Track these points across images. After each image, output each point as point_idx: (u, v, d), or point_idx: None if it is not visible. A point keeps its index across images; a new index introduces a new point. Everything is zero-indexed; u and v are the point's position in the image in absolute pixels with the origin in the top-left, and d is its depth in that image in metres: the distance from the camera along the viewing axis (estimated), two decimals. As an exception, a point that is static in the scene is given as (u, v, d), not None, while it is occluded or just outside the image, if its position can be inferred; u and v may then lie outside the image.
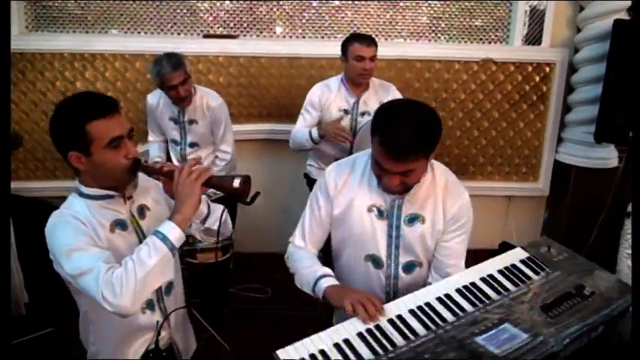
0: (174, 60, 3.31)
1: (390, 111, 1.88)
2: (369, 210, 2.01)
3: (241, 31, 4.52)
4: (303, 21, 4.49)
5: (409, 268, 2.05)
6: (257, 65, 4.37)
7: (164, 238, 1.70)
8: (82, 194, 1.85)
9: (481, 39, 4.62)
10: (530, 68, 4.44)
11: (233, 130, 3.82)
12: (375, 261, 2.05)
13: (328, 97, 3.51)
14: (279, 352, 1.70)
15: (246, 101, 4.45)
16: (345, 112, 3.50)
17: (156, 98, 3.58)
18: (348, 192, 2.04)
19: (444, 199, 2.02)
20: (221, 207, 2.04)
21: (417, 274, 2.06)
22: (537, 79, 4.46)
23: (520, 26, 4.48)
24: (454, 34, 4.59)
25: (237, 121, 4.42)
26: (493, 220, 4.81)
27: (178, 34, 4.49)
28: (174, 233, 1.72)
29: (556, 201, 4.74)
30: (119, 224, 1.87)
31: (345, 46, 3.43)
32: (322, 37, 4.52)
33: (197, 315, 3.49)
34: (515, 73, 4.45)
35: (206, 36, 4.42)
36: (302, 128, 3.54)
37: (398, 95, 3.57)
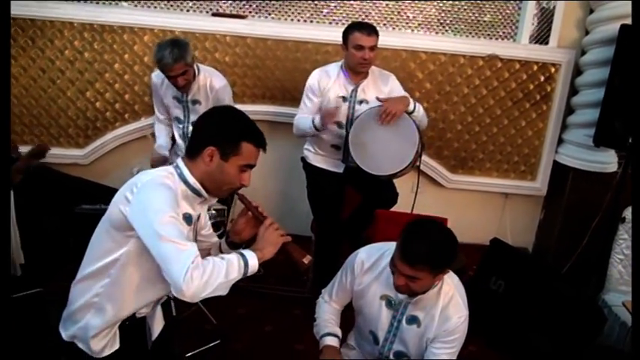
0: (177, 52, 3.32)
1: (422, 226, 2.16)
2: (382, 298, 2.30)
3: (250, 12, 4.54)
4: (312, 5, 4.51)
5: (399, 355, 2.33)
6: (263, 47, 4.39)
7: (246, 266, 1.90)
8: (183, 179, 1.99)
9: (488, 34, 4.62)
10: (535, 67, 4.45)
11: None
12: (375, 338, 2.35)
13: (327, 83, 3.52)
14: None
15: (251, 82, 4.48)
16: (343, 99, 3.51)
17: (160, 77, 3.60)
18: (370, 275, 2.34)
19: (443, 310, 2.23)
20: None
21: None
22: (542, 78, 4.47)
23: (529, 24, 4.48)
24: (462, 28, 4.59)
25: (241, 100, 4.46)
26: (489, 217, 4.86)
27: (187, 10, 4.51)
28: (253, 267, 1.92)
29: (553, 202, 4.77)
30: (187, 218, 1.97)
31: (345, 34, 3.44)
32: (330, 23, 4.53)
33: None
34: (520, 71, 4.45)
35: (215, 14, 4.44)
36: (304, 115, 3.57)
37: (397, 85, 3.59)
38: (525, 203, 4.87)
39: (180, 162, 2.02)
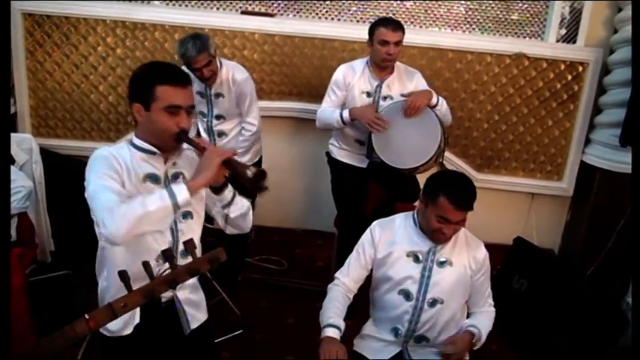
0: (199, 43, 3.40)
1: (445, 176, 2.54)
2: (408, 255, 2.48)
3: (278, 10, 4.60)
4: (340, 3, 4.55)
5: (432, 303, 2.46)
6: (291, 44, 4.45)
7: (172, 194, 1.88)
8: (131, 143, 2.09)
9: (516, 33, 4.60)
10: (563, 66, 4.41)
11: (261, 106, 3.92)
12: (407, 295, 2.47)
13: (352, 78, 3.57)
14: None
15: (278, 79, 4.53)
16: (368, 94, 3.55)
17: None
18: (389, 241, 2.52)
19: (468, 249, 2.52)
20: (247, 203, 2.25)
21: (438, 309, 2.47)
22: (569, 77, 4.44)
23: (556, 23, 4.45)
24: (489, 27, 4.59)
25: (268, 97, 4.53)
26: (514, 217, 4.81)
27: (217, 8, 4.59)
28: (183, 194, 1.89)
29: (579, 202, 4.71)
30: (152, 177, 2.07)
31: (371, 29, 3.48)
32: (357, 21, 4.57)
33: (210, 278, 3.61)
34: (547, 69, 4.42)
35: (244, 12, 4.51)
36: (329, 108, 3.61)
37: (422, 82, 3.61)
38: (552, 204, 4.83)
39: (133, 133, 2.11)
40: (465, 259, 2.50)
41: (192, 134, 3.88)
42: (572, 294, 3.53)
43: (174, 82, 2.00)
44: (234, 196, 2.19)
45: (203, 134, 3.84)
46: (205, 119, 3.78)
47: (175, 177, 2.13)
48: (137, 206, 1.84)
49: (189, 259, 1.64)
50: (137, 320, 2.14)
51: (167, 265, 1.63)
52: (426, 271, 2.46)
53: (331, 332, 2.35)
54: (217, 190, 2.13)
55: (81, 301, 2.15)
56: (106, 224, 1.81)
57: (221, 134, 3.78)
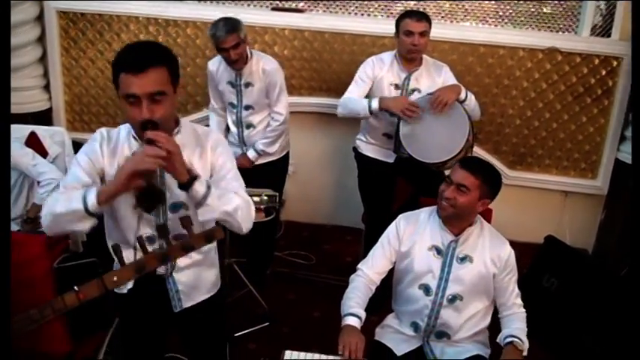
0: (229, 24, 3.44)
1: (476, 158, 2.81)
2: (429, 249, 2.51)
3: (309, 6, 4.61)
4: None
5: (452, 299, 2.48)
6: (321, 40, 4.46)
7: (84, 199, 1.82)
8: (126, 129, 2.06)
9: (549, 27, 4.52)
10: (597, 61, 4.32)
11: (290, 101, 3.93)
12: (427, 289, 2.50)
13: (381, 70, 3.56)
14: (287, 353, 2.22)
15: (308, 74, 4.55)
16: (396, 86, 3.54)
17: (216, 64, 3.73)
18: (413, 235, 2.55)
19: (492, 247, 2.51)
20: (246, 199, 2.04)
21: (458, 306, 2.49)
22: (604, 72, 4.34)
23: (590, 16, 4.35)
24: (521, 20, 4.52)
25: (298, 93, 4.56)
26: (547, 216, 4.72)
27: (248, 5, 4.62)
28: (91, 199, 1.81)
29: (614, 202, 4.61)
30: None
31: (397, 22, 3.48)
32: (387, 17, 4.55)
33: (238, 270, 3.65)
34: (581, 64, 4.33)
35: (274, 9, 4.54)
36: (355, 96, 3.59)
37: (451, 76, 3.58)
38: (585, 203, 4.73)
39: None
40: (487, 257, 2.48)
41: (221, 127, 3.92)
42: (604, 294, 3.45)
43: (130, 68, 1.83)
44: (208, 188, 1.93)
45: (232, 127, 3.86)
46: (235, 110, 3.79)
47: None
48: (54, 202, 1.86)
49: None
50: (130, 285, 2.00)
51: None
52: (446, 267, 2.48)
53: (352, 321, 2.35)
54: (182, 186, 1.90)
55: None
56: (43, 212, 1.90)
57: (249, 126, 3.79)
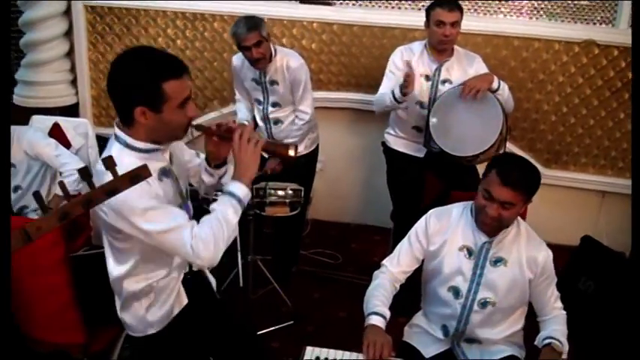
0: (251, 22, 3.38)
1: (513, 156, 2.55)
2: (460, 249, 2.35)
3: (337, -1, 4.54)
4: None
5: (483, 304, 2.33)
6: (349, 33, 4.37)
7: (240, 201, 1.91)
8: (129, 146, 1.92)
9: (585, 19, 4.35)
10: (636, 54, 4.16)
11: (318, 97, 3.87)
12: (456, 292, 2.35)
13: (410, 60, 3.44)
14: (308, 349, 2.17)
15: (336, 69, 4.46)
16: (427, 77, 3.43)
17: (240, 60, 3.66)
18: (444, 233, 2.38)
19: (528, 249, 2.34)
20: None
21: (488, 311, 2.34)
22: (643, 66, 4.18)
23: (628, 8, 4.15)
24: (556, 12, 4.35)
25: (326, 88, 4.48)
26: (583, 216, 4.54)
27: (277, -2, 4.56)
28: (246, 194, 1.93)
29: (654, 202, 4.43)
30: (163, 173, 2.00)
31: (428, 11, 3.37)
32: (418, 9, 4.42)
33: (262, 267, 3.58)
34: (619, 58, 4.16)
35: (303, 1, 4.46)
36: (388, 90, 3.48)
37: (483, 67, 3.46)
38: (624, 203, 4.52)
39: (121, 135, 1.92)
40: (523, 260, 2.32)
41: (246, 113, 3.87)
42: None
43: (179, 72, 1.86)
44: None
45: (260, 123, 3.81)
46: (261, 107, 3.73)
47: (170, 160, 2.07)
48: (223, 227, 1.87)
49: None
50: (185, 301, 2.17)
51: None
52: (478, 269, 2.33)
53: (376, 320, 2.22)
54: (219, 165, 2.18)
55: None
56: (201, 255, 1.84)
57: (277, 122, 3.73)
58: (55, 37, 4.51)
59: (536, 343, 2.35)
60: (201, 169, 2.24)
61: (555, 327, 2.34)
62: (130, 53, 1.92)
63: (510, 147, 4.02)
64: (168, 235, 1.83)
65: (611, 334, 3.35)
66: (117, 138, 1.93)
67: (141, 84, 1.82)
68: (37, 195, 1.37)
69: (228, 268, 3.65)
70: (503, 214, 2.19)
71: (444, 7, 3.28)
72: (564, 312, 2.40)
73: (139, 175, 1.43)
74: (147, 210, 1.81)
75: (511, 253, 2.32)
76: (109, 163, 1.46)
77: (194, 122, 1.99)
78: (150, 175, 1.46)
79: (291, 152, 2.01)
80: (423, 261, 2.45)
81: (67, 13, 4.55)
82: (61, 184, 1.48)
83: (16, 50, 4.68)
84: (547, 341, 2.28)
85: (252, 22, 3.38)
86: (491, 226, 2.26)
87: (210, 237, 1.83)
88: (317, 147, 3.90)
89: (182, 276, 2.14)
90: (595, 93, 4.28)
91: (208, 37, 4.52)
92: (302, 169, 3.70)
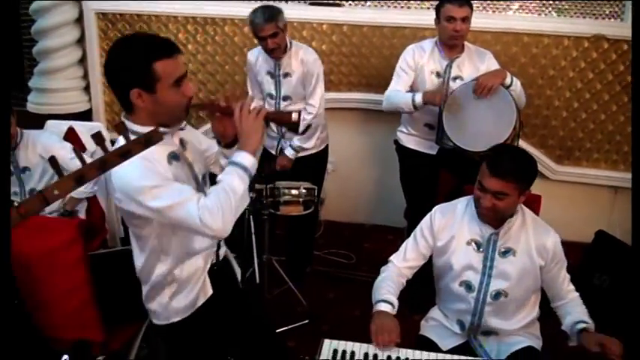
0: (268, 12, 3.40)
1: (505, 146, 2.58)
2: (468, 243, 2.36)
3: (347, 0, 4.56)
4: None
5: (496, 296, 2.35)
6: (359, 34, 4.39)
7: (245, 169, 1.91)
8: (134, 133, 1.87)
9: (594, 14, 4.36)
10: (646, 48, 4.15)
11: (329, 97, 3.88)
12: (469, 286, 2.37)
13: (422, 58, 3.46)
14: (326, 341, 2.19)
15: (347, 69, 4.48)
16: (437, 74, 3.43)
17: (255, 54, 3.70)
18: (450, 229, 2.40)
19: (535, 237, 2.35)
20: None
21: (503, 302, 2.35)
22: (654, 60, 4.17)
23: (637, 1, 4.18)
24: (565, 8, 4.37)
25: (337, 88, 4.50)
26: (595, 212, 4.52)
27: (286, 0, 4.59)
28: (252, 164, 1.93)
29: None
30: (173, 157, 1.99)
31: (437, 7, 3.37)
32: (428, 8, 4.45)
33: (277, 267, 3.61)
34: (628, 51, 4.13)
35: (312, 3, 4.50)
36: (399, 89, 3.49)
37: (494, 63, 3.46)
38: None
39: (126, 123, 1.90)
40: (532, 248, 2.33)
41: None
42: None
43: (171, 52, 1.87)
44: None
45: None
46: (273, 100, 3.72)
47: (182, 144, 2.07)
48: (230, 195, 1.86)
49: None
50: (210, 292, 2.18)
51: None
52: (488, 261, 2.34)
53: (384, 307, 2.25)
54: (229, 145, 2.16)
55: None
56: (209, 225, 1.83)
57: None
58: (67, 44, 4.56)
59: (564, 328, 2.35)
60: (219, 156, 2.26)
61: (578, 309, 2.35)
62: (122, 39, 1.94)
63: (522, 144, 3.99)
64: (175, 209, 1.83)
65: (628, 328, 3.32)
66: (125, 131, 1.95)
67: (131, 65, 1.84)
68: (52, 160, 1.38)
69: (244, 268, 3.67)
70: (497, 205, 2.20)
71: (454, 2, 3.28)
72: (577, 293, 2.42)
73: (151, 137, 1.42)
74: (152, 188, 1.82)
75: (519, 243, 2.33)
76: (120, 128, 1.48)
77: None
78: (162, 138, 1.44)
79: (294, 116, 2.03)
80: (431, 258, 2.47)
81: (79, 20, 4.61)
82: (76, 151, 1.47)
83: (30, 58, 4.73)
84: (581, 325, 2.28)
85: (270, 13, 3.40)
86: (488, 216, 2.28)
87: (218, 207, 1.82)
88: (326, 147, 3.91)
89: (208, 266, 2.16)
90: (606, 88, 4.27)
91: (219, 40, 4.55)
92: (312, 169, 3.73)
